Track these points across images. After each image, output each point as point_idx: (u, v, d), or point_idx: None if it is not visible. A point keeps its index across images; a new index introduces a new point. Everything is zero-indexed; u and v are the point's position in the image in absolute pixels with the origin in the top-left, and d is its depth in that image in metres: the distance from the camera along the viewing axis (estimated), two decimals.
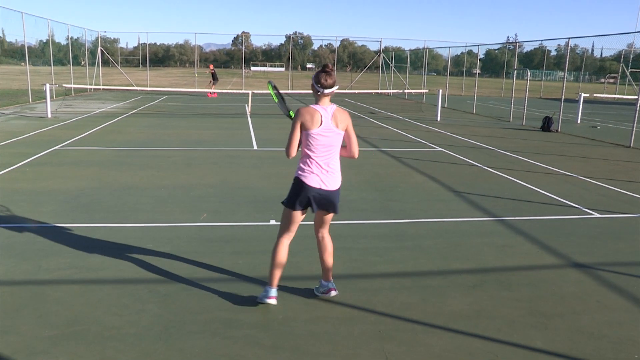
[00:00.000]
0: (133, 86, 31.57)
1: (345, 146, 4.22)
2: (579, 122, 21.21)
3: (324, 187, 4.07)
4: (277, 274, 4.21)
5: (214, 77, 30.59)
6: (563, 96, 18.49)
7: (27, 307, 4.12)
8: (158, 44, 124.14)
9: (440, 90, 21.76)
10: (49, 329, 3.80)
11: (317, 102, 4.08)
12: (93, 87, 27.78)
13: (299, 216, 4.18)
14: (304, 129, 3.99)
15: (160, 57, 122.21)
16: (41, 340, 3.64)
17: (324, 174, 4.08)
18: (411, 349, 3.69)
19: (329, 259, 4.36)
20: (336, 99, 30.86)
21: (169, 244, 5.66)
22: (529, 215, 7.17)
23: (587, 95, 24.44)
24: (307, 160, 4.07)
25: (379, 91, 35.36)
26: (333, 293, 4.40)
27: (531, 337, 3.89)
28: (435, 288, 4.73)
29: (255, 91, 27.61)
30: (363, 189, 8.44)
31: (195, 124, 17.14)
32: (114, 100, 25.68)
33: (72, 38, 30.70)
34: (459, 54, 45.60)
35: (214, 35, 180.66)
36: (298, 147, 4.09)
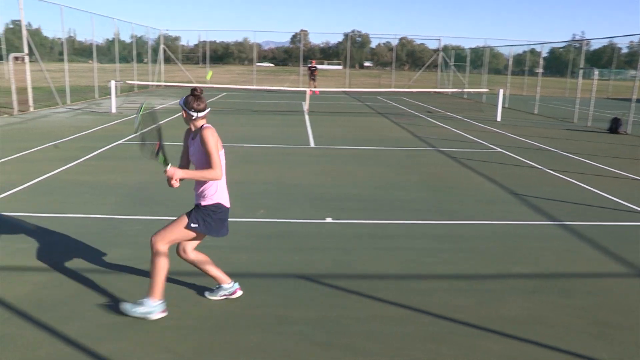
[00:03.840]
0: (193, 83, 32.35)
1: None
2: None
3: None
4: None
5: (313, 74, 29.77)
6: (634, 96, 17.64)
7: (91, 295, 4.29)
8: (217, 41, 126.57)
9: (501, 90, 21.20)
10: (112, 316, 3.95)
11: (196, 126, 3.87)
12: (155, 83, 28.66)
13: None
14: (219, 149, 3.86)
15: (219, 55, 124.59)
16: (104, 327, 3.79)
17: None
18: (466, 353, 3.61)
19: (213, 265, 4.31)
20: (394, 98, 30.61)
21: (226, 238, 5.71)
22: (593, 221, 6.89)
23: None
24: (223, 181, 4.06)
25: (438, 90, 34.82)
26: (239, 293, 4.35)
27: (595, 348, 3.73)
28: (491, 292, 4.62)
29: (313, 89, 27.77)
30: (420, 189, 8.33)
31: (252, 120, 17.39)
32: (175, 97, 26.38)
33: (136, 36, 31.79)
34: (520, 52, 44.30)
35: (273, 33, 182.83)
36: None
